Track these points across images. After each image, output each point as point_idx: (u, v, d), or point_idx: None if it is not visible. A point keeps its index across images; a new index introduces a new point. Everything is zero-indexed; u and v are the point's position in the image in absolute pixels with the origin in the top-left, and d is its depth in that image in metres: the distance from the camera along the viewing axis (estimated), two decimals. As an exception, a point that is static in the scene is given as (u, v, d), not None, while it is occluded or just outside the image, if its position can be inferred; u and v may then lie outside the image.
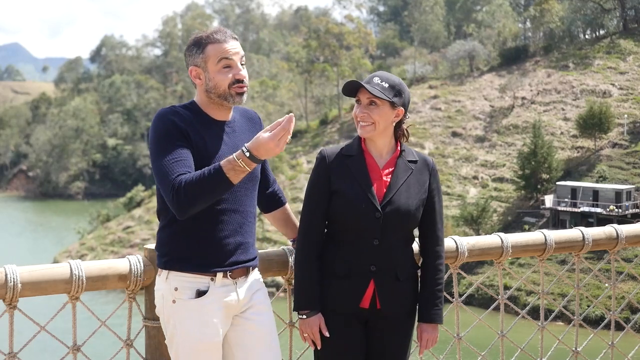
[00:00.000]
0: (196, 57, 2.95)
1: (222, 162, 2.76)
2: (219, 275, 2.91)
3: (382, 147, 3.16)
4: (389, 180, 3.12)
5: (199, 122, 2.93)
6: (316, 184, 3.14)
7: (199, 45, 2.94)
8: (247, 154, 2.73)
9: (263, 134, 2.73)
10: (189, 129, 2.88)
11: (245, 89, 2.95)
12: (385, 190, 3.11)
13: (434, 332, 3.20)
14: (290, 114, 2.76)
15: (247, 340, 2.98)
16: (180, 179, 2.76)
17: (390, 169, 3.15)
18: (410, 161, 3.18)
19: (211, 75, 2.92)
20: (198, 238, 2.89)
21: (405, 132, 3.20)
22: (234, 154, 2.76)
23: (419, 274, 3.24)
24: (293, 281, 3.19)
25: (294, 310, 3.20)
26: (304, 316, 3.10)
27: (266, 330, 3.02)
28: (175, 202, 2.76)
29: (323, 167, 3.13)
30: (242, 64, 2.96)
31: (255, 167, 2.97)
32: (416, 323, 3.24)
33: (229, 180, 2.75)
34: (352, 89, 3.11)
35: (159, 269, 2.94)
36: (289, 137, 2.74)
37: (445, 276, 3.69)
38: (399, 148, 3.19)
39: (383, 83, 3.08)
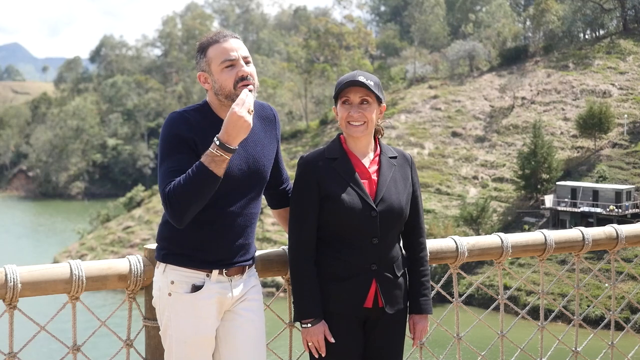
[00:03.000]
0: (201, 62, 2.93)
1: (204, 161, 2.74)
2: (215, 272, 2.92)
3: (365, 145, 3.16)
4: (376, 178, 3.14)
5: (209, 125, 2.90)
6: (305, 190, 3.09)
7: (201, 50, 2.93)
8: (218, 142, 2.72)
9: (233, 110, 2.71)
10: (196, 137, 2.85)
11: (251, 86, 2.89)
12: (375, 188, 3.12)
13: (426, 322, 3.25)
14: (248, 87, 2.79)
15: (233, 336, 2.99)
16: (169, 186, 2.76)
17: (376, 167, 3.16)
18: (391, 157, 3.20)
19: (216, 77, 2.89)
20: (200, 238, 2.90)
21: (381, 128, 3.23)
22: (211, 148, 2.74)
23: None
24: (291, 286, 3.15)
25: (295, 320, 3.16)
26: (309, 325, 3.06)
27: (254, 328, 3.02)
28: (169, 212, 2.78)
29: (309, 172, 3.10)
30: (246, 62, 2.91)
31: (264, 169, 2.99)
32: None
33: (214, 173, 2.74)
34: (347, 87, 3.09)
35: (157, 262, 2.95)
36: (251, 108, 2.73)
37: (445, 276, 3.70)
38: (379, 145, 3.21)
39: (369, 81, 3.09)
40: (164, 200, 2.79)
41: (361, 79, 3.07)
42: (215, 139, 2.73)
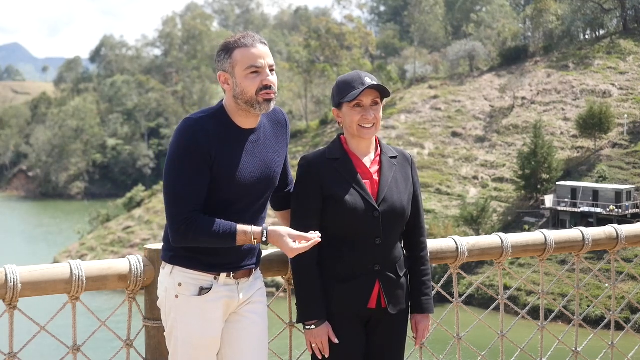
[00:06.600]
0: (224, 62, 2.90)
1: (238, 232, 2.81)
2: (223, 275, 2.93)
3: (367, 146, 3.16)
4: (378, 178, 3.13)
5: (224, 132, 2.89)
6: (307, 190, 3.09)
7: (226, 50, 2.90)
8: (264, 239, 2.84)
9: (289, 241, 2.82)
10: (211, 146, 2.84)
11: (273, 95, 2.89)
12: (377, 188, 3.11)
13: (428, 321, 3.25)
14: (317, 236, 2.84)
15: (238, 338, 2.99)
16: (188, 221, 2.80)
17: (377, 167, 3.15)
18: (391, 157, 3.19)
19: (238, 81, 2.87)
20: None
21: None
22: (252, 231, 2.81)
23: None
24: (294, 287, 3.14)
25: (298, 322, 3.15)
26: (313, 327, 3.05)
27: (258, 330, 3.02)
28: (177, 239, 2.83)
29: (311, 173, 3.09)
30: (270, 70, 2.90)
31: (275, 175, 3.01)
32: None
33: (235, 244, 2.84)
34: (363, 92, 3.06)
35: (164, 263, 2.95)
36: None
37: (446, 276, 3.70)
38: (379, 145, 3.20)
39: (380, 83, 3.09)
40: (176, 229, 2.81)
41: (374, 81, 3.06)
42: (264, 234, 2.84)
